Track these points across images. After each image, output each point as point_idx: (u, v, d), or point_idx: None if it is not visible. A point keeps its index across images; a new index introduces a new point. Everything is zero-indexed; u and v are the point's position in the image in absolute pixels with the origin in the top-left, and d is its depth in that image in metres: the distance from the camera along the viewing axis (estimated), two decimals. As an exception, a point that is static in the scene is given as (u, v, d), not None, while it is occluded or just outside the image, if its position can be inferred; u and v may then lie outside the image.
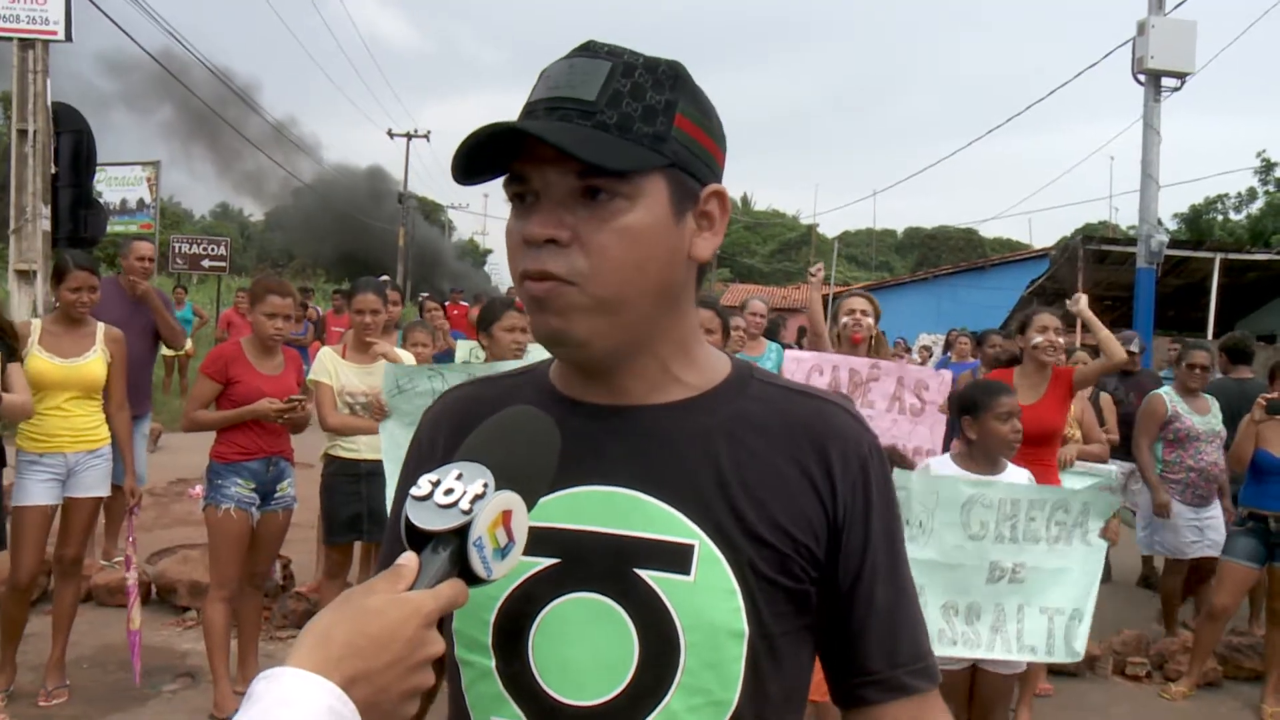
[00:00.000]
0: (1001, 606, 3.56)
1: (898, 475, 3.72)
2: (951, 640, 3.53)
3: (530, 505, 0.91)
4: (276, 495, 4.54)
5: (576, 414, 1.09)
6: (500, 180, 1.05)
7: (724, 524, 1.04)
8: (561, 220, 1.00)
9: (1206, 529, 5.92)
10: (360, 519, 4.75)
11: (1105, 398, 6.67)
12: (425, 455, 1.18)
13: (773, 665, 1.06)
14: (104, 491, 4.60)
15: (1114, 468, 5.05)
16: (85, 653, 4.99)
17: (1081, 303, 5.16)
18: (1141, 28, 13.07)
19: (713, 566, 1.03)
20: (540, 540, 1.04)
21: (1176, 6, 13.16)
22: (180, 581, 5.75)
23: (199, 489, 5.59)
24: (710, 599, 1.02)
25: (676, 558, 1.03)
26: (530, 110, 1.02)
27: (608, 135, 0.99)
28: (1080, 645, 3.66)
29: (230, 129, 26.04)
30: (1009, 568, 3.57)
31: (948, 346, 16.81)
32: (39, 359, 4.37)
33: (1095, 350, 5.61)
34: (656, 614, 1.03)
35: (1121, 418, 6.91)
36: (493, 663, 1.07)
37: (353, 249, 43.05)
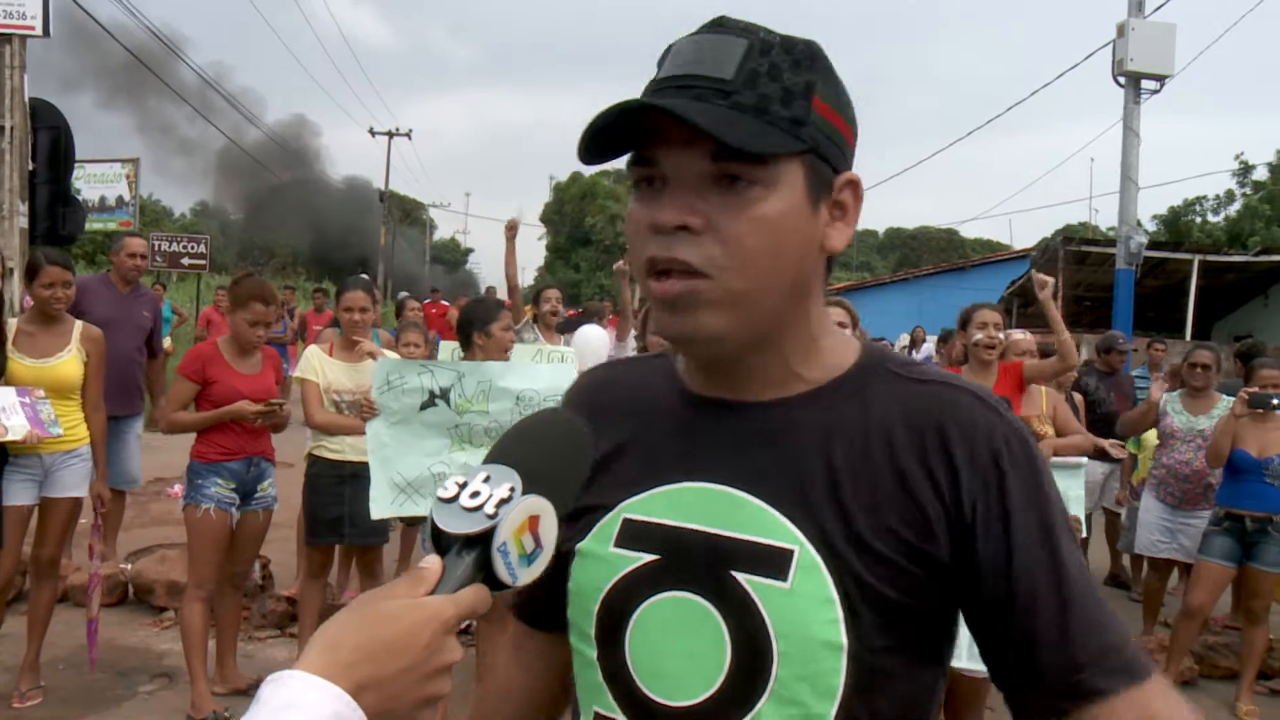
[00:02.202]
0: None
1: None
2: None
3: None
4: (257, 495, 4.51)
5: (691, 406, 1.08)
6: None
7: (829, 529, 0.98)
8: (694, 207, 0.95)
9: (1179, 533, 5.89)
10: (342, 521, 4.72)
11: (1077, 397, 6.70)
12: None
13: (880, 682, 0.99)
14: (81, 491, 4.56)
15: (1085, 461, 5.07)
16: (61, 654, 4.94)
17: (1047, 289, 5.09)
18: (1121, 30, 13.17)
19: (812, 574, 0.97)
20: (643, 535, 1.03)
21: (1156, 9, 13.26)
22: (158, 581, 5.71)
23: (178, 488, 5.56)
24: (806, 608, 0.97)
25: (774, 563, 0.98)
26: (658, 88, 0.97)
27: (745, 116, 0.93)
28: None
29: (155, 87, 24.82)
30: None
31: (913, 343, 16.89)
32: (11, 360, 4.32)
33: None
34: (750, 619, 0.98)
35: (1102, 417, 6.94)
36: (594, 653, 1.06)
37: (323, 243, 41.51)
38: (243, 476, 4.43)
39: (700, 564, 1.01)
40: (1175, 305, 19.06)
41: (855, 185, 1.03)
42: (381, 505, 4.37)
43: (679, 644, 1.01)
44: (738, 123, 0.92)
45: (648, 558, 1.03)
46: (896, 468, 0.99)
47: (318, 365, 4.75)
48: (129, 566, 5.94)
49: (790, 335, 1.04)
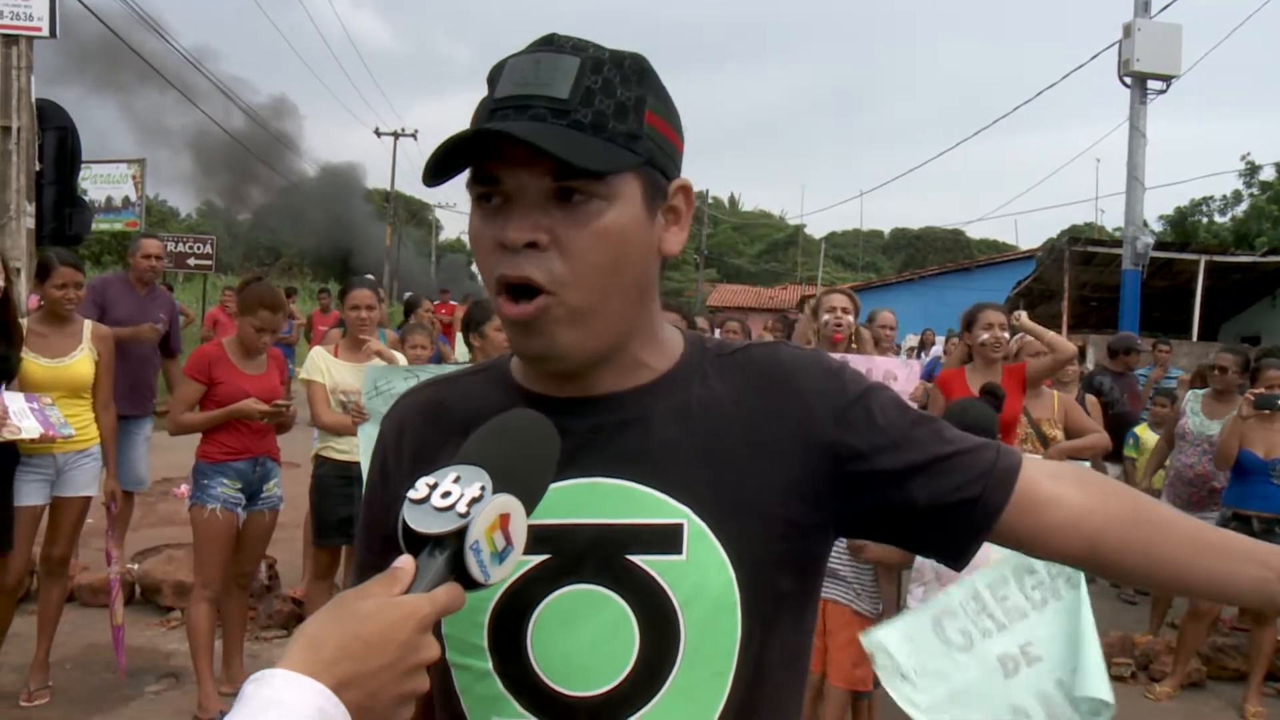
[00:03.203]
0: (1044, 692, 3.20)
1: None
2: None
3: (529, 508, 0.91)
4: (263, 495, 4.52)
5: (548, 409, 1.07)
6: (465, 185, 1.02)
7: (707, 497, 1.04)
8: (539, 223, 0.98)
9: None
10: (350, 521, 4.72)
11: (1090, 399, 6.68)
12: (393, 463, 1.17)
13: (768, 632, 1.06)
14: (93, 491, 4.58)
15: (1087, 464, 5.03)
16: (69, 653, 4.95)
17: (1023, 317, 5.36)
18: (1128, 30, 13.16)
19: (703, 542, 1.03)
20: (529, 538, 1.03)
21: (1162, 10, 13.25)
22: (165, 581, 5.72)
23: (184, 488, 5.57)
24: (704, 575, 1.03)
25: (667, 539, 1.04)
26: (498, 108, 0.99)
27: (583, 135, 0.97)
28: (1099, 686, 3.16)
29: (141, 71, 24.00)
30: (1017, 653, 3.23)
31: (922, 345, 16.90)
32: (26, 360, 4.34)
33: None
34: (654, 597, 1.03)
35: (1115, 417, 6.91)
36: (490, 664, 1.06)
37: (310, 237, 40.56)
38: (249, 476, 4.43)
39: (595, 554, 1.04)
40: (1182, 306, 19.01)
41: (687, 190, 1.09)
42: None
43: (585, 635, 1.04)
44: (577, 141, 0.96)
45: (538, 558, 1.04)
46: (754, 425, 1.07)
47: (324, 366, 4.76)
48: (136, 566, 5.95)
49: (638, 333, 1.09)
